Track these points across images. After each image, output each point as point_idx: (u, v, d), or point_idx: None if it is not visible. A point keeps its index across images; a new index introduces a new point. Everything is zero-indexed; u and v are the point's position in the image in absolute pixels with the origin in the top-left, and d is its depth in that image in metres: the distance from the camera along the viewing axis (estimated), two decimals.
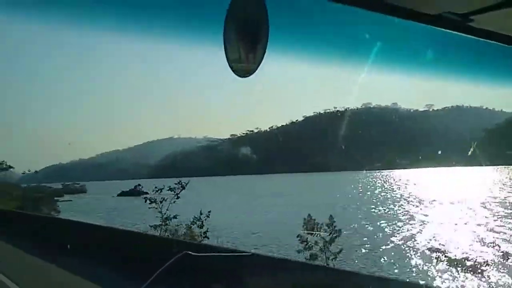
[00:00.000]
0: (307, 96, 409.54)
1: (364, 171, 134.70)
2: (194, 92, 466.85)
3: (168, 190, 16.14)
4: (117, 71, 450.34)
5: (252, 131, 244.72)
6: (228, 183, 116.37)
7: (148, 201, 16.26)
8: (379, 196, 68.62)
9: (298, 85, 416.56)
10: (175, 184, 16.29)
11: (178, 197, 15.93)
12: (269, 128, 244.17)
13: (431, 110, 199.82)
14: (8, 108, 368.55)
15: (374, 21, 1.60)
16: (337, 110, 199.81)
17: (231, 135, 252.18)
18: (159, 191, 16.05)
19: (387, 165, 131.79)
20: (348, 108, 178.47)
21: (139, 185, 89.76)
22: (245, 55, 1.42)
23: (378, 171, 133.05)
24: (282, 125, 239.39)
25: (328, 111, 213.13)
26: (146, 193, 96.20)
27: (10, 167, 57.58)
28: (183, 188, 16.01)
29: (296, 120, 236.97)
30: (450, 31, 1.61)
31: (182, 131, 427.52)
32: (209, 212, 15.69)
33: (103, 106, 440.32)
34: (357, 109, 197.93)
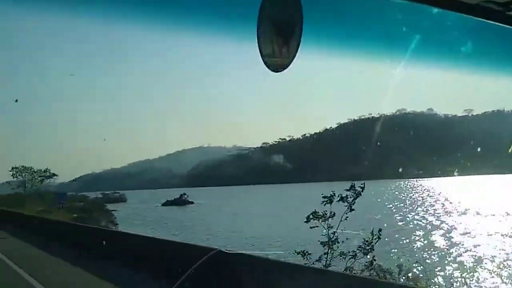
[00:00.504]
0: (341, 103, 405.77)
1: (402, 179, 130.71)
2: (223, 101, 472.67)
3: (338, 200, 11.94)
4: (148, 82, 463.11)
5: (284, 139, 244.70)
6: (284, 192, 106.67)
7: (311, 218, 11.71)
8: None
9: (332, 92, 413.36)
10: (346, 190, 12.10)
11: (352, 209, 11.93)
12: (302, 135, 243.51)
13: (470, 115, 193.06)
14: (42, 118, 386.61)
15: (411, 13, 1.58)
16: (372, 117, 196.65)
17: (263, 143, 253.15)
18: (327, 202, 11.73)
19: (427, 173, 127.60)
20: (383, 114, 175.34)
21: (185, 194, 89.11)
22: (278, 49, 1.41)
23: (419, 179, 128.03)
24: (316, 133, 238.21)
25: (363, 117, 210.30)
26: (192, 202, 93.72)
27: (54, 174, 55.83)
28: (358, 195, 12.09)
29: (330, 127, 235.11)
30: (490, 21, 1.56)
31: (211, 140, 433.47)
32: (380, 231, 11.67)
33: (134, 116, 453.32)
34: (392, 115, 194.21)
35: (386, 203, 65.64)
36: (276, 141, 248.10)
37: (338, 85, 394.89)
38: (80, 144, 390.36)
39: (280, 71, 1.47)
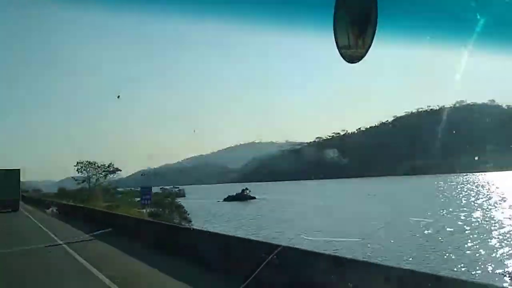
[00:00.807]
0: (396, 95, 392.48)
1: (469, 173, 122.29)
2: (275, 97, 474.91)
3: None
4: (200, 78, 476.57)
5: (339, 133, 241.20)
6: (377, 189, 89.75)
7: None
8: None
9: (387, 84, 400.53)
10: None
11: None
12: (356, 130, 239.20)
13: None
14: (100, 115, 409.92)
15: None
16: (431, 109, 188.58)
17: (317, 138, 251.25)
18: None
19: (497, 166, 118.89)
20: (443, 106, 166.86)
21: (247, 189, 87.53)
22: (354, 41, 1.38)
23: (487, 172, 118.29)
24: (371, 126, 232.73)
25: (421, 110, 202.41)
26: (254, 197, 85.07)
27: (117, 169, 53.27)
28: None
29: (386, 121, 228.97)
30: None
31: (263, 136, 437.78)
32: None
33: (188, 112, 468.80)
34: (452, 107, 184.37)
35: (472, 199, 58.41)
36: (330, 136, 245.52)
37: (394, 77, 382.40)
38: (137, 141, 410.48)
39: (355, 62, 1.44)
